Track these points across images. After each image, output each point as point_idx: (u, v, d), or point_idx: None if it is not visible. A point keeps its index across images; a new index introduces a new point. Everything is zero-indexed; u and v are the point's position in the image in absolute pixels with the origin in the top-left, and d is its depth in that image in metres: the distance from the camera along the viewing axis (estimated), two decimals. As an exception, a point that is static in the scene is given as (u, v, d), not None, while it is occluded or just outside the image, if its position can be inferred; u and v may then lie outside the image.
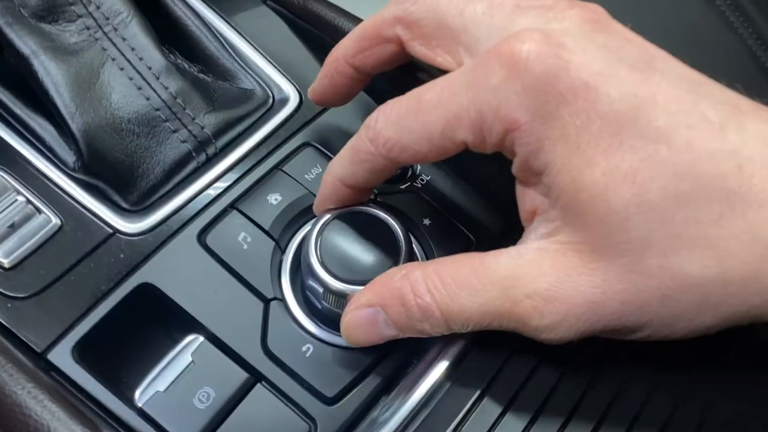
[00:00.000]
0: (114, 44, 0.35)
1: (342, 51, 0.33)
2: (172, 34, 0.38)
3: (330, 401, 0.31)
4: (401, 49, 0.32)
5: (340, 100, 0.36)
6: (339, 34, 0.39)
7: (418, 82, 0.31)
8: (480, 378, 0.31)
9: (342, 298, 0.30)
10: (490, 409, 0.30)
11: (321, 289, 0.30)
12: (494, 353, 0.31)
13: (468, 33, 0.29)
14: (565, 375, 0.31)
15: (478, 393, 0.30)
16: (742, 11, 0.62)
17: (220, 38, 0.39)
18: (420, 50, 0.31)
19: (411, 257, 0.31)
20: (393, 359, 0.32)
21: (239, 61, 0.38)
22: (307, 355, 0.31)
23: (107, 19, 0.35)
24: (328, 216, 0.32)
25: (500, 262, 0.28)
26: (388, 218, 0.32)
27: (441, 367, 0.31)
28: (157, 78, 0.35)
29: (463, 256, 0.29)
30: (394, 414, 0.30)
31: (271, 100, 0.38)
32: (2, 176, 0.33)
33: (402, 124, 0.29)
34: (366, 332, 0.29)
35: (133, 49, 0.35)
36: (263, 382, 0.31)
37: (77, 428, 0.26)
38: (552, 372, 0.31)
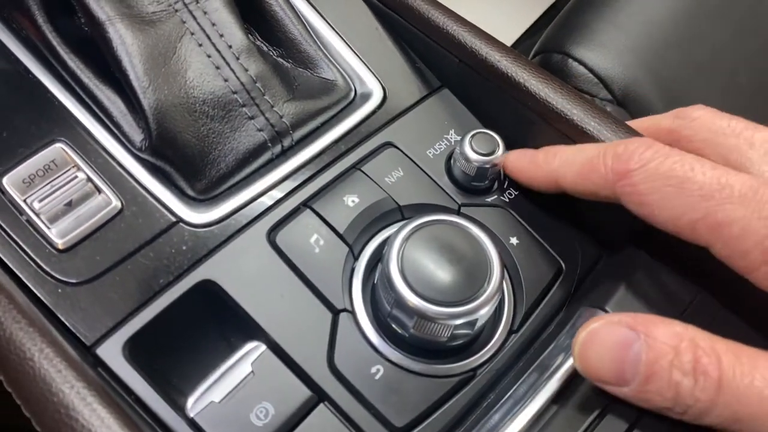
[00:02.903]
0: (194, 17, 0.32)
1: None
2: (253, 13, 0.35)
3: (400, 431, 0.28)
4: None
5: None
6: (431, 27, 0.36)
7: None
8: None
9: (432, 322, 0.27)
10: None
11: (413, 319, 0.27)
12: (583, 409, 0.28)
13: (740, 153, 0.30)
14: None
15: None
16: None
17: (305, 22, 0.36)
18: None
19: (502, 282, 0.28)
20: (468, 392, 0.29)
21: (322, 48, 0.36)
22: (377, 377, 0.28)
23: (189, -11, 0.32)
24: (411, 227, 0.29)
25: None
26: (481, 235, 0.29)
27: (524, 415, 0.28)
28: (237, 58, 0.32)
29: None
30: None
31: (353, 94, 0.35)
32: (63, 149, 0.30)
33: (662, 188, 0.27)
34: (607, 352, 0.26)
35: (213, 24, 0.32)
36: (327, 402, 0.28)
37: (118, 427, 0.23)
38: None
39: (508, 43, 0.88)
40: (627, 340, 0.25)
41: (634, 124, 0.34)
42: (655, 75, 0.52)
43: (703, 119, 0.32)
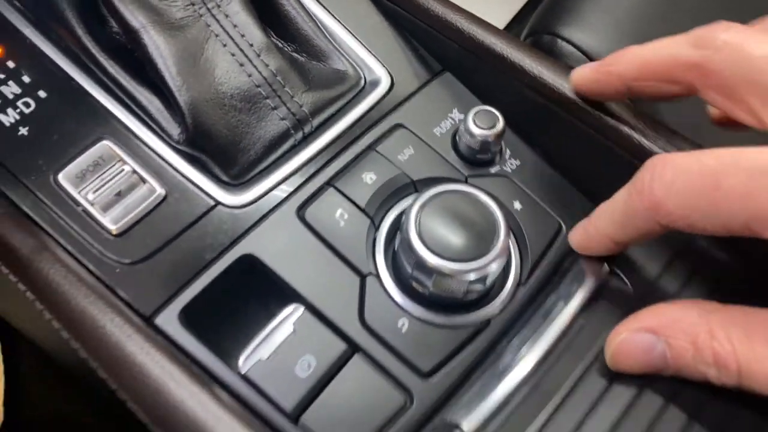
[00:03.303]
0: (217, 20, 0.36)
1: (622, 69, 0.32)
2: (268, 14, 0.39)
3: (426, 374, 0.31)
4: (688, 92, 0.31)
5: (600, 98, 0.35)
6: (431, 16, 0.39)
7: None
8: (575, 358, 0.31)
9: (449, 278, 0.30)
10: (592, 384, 0.30)
11: (432, 277, 0.31)
12: (583, 349, 0.32)
13: None
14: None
15: (580, 372, 0.31)
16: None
17: (315, 19, 0.39)
18: (717, 99, 0.30)
19: (508, 240, 0.32)
20: (483, 339, 0.33)
21: (333, 42, 0.39)
22: (403, 330, 0.32)
23: (212, -4, 0.36)
24: (425, 197, 0.32)
25: None
26: (487, 201, 0.32)
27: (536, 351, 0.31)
28: (258, 55, 0.35)
29: None
30: (491, 388, 0.30)
31: (363, 82, 0.39)
32: (109, 146, 0.34)
33: (691, 201, 0.27)
34: (636, 358, 0.29)
35: (235, 26, 0.36)
36: (360, 354, 0.32)
37: (195, 388, 0.27)
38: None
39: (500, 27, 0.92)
40: (650, 345, 0.29)
41: (647, 53, 0.32)
42: (640, 49, 0.55)
43: (731, 47, 0.29)
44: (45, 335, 0.39)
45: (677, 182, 0.27)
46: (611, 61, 0.33)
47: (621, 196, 0.31)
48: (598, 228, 0.33)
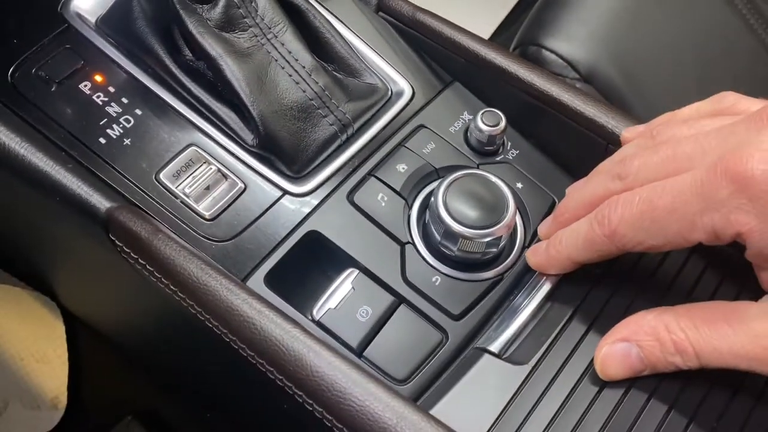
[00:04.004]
0: (275, 48, 0.45)
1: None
2: (311, 40, 0.48)
3: (457, 317, 0.41)
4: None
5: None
6: (443, 38, 0.49)
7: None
8: (571, 300, 0.41)
9: (471, 241, 0.40)
10: (577, 326, 0.40)
11: (458, 241, 0.40)
12: (579, 286, 0.41)
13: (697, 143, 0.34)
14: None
15: (571, 311, 0.40)
16: (761, 14, 0.72)
17: (348, 43, 0.48)
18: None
19: (516, 210, 0.41)
20: (499, 289, 0.42)
21: (363, 61, 0.48)
22: (437, 284, 0.41)
23: (270, 28, 0.45)
24: (449, 180, 0.41)
25: (750, 314, 0.33)
26: (497, 181, 0.42)
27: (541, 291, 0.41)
28: (309, 74, 0.45)
29: (711, 304, 0.35)
30: (510, 321, 0.40)
31: (389, 93, 0.48)
32: (197, 150, 0.43)
33: (638, 225, 0.34)
34: (619, 365, 0.36)
35: (290, 52, 0.45)
36: (405, 304, 0.41)
37: (288, 326, 0.36)
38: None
39: (487, 34, 1.01)
40: (626, 351, 0.36)
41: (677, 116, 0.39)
42: (614, 56, 0.65)
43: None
44: (141, 308, 0.48)
45: (626, 212, 0.35)
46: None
47: (583, 226, 0.37)
48: (560, 251, 0.39)
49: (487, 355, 0.39)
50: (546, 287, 0.41)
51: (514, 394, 0.37)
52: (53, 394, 0.70)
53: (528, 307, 0.40)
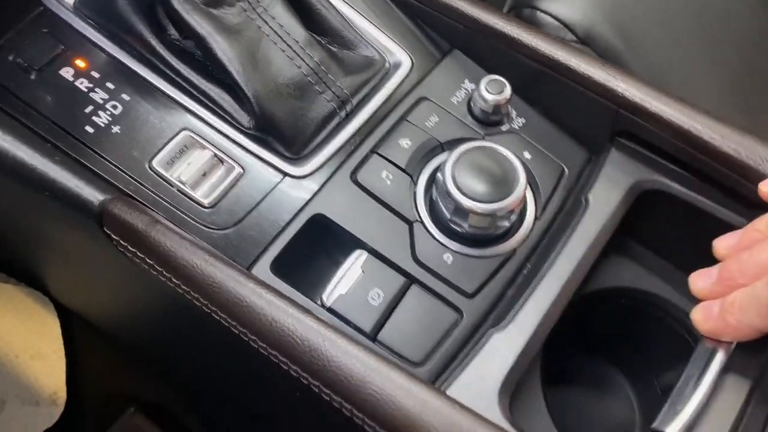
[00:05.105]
0: (266, 22, 0.42)
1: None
2: (302, 12, 0.45)
3: (471, 295, 0.39)
4: None
5: None
6: (441, 5, 0.46)
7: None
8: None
9: (482, 217, 0.38)
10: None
11: (468, 217, 0.38)
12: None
13: None
14: None
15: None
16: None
17: (341, 15, 0.46)
18: None
19: (526, 181, 0.40)
20: (512, 264, 0.41)
21: (358, 33, 0.46)
22: (449, 263, 0.40)
23: (258, 2, 0.43)
24: (457, 154, 0.40)
25: None
26: (507, 152, 0.40)
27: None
28: (303, 49, 0.42)
29: None
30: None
31: (387, 64, 0.46)
32: (190, 135, 0.41)
33: None
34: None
35: (281, 26, 0.43)
36: (417, 284, 0.39)
37: (300, 315, 0.35)
38: None
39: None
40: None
41: None
42: (611, 17, 0.63)
43: None
44: (132, 305, 0.46)
45: None
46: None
47: (763, 289, 0.35)
48: (741, 320, 0.36)
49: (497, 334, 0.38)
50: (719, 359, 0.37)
51: None
52: (51, 390, 0.69)
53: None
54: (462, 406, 0.33)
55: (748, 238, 0.38)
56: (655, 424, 0.36)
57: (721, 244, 0.39)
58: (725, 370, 0.37)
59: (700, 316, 0.38)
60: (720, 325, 0.37)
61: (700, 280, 0.39)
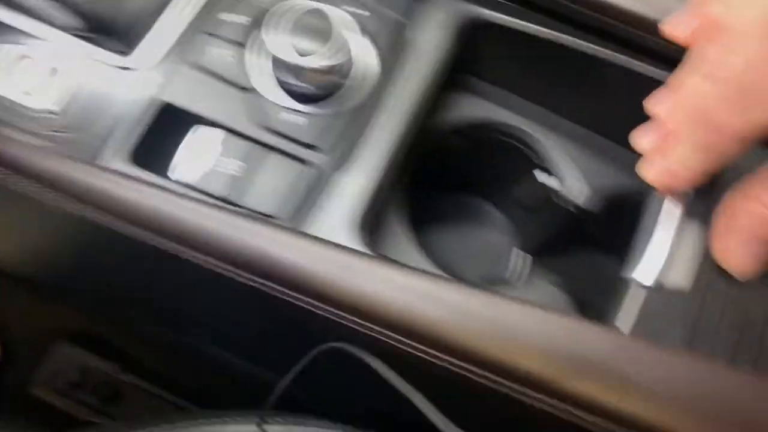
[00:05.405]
0: None
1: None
2: None
3: (325, 151, 0.42)
4: None
5: None
6: None
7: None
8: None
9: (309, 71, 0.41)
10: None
11: (300, 74, 0.40)
12: None
13: None
14: None
15: None
16: None
17: None
18: None
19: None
20: (364, 112, 0.43)
21: None
22: (300, 124, 0.42)
23: None
24: (275, 16, 0.41)
25: None
26: (331, 8, 0.42)
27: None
28: None
29: None
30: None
31: None
32: (13, 46, 0.41)
33: None
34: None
35: None
36: (273, 150, 0.42)
37: (158, 192, 0.37)
38: None
39: None
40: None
41: None
42: None
43: None
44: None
45: None
46: None
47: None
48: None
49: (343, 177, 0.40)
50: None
51: None
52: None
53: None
54: (324, 240, 0.36)
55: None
56: (624, 273, 0.36)
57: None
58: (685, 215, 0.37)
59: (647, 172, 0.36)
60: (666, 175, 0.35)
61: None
